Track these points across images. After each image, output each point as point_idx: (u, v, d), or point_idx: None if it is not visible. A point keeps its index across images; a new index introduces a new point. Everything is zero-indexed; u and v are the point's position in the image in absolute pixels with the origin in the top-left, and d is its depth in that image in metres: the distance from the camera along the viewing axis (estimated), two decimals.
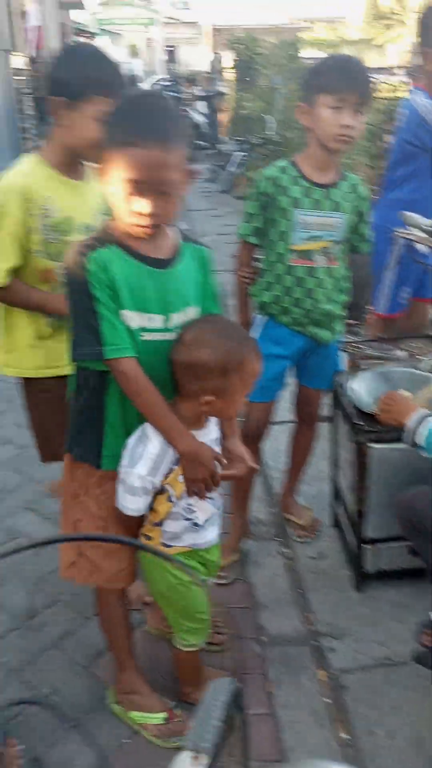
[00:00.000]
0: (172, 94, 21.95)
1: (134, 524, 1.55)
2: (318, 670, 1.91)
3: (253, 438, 2.30)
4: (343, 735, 1.72)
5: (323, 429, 2.55)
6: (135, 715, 1.72)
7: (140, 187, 1.30)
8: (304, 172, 2.01)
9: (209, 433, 1.53)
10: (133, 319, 1.39)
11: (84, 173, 1.84)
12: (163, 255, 1.43)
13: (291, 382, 2.33)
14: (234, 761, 1.16)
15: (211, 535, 1.60)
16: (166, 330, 1.44)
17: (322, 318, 2.11)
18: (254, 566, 2.34)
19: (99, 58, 1.74)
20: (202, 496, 1.49)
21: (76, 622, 2.09)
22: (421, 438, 1.69)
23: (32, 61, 14.47)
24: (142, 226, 1.35)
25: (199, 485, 1.46)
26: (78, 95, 1.67)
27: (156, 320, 1.42)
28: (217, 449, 1.52)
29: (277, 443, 2.69)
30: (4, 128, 11.93)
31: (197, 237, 1.61)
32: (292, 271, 2.05)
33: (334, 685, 1.86)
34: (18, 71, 13.14)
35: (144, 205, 1.32)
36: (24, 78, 13.73)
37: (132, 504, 1.48)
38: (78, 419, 1.55)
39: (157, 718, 1.71)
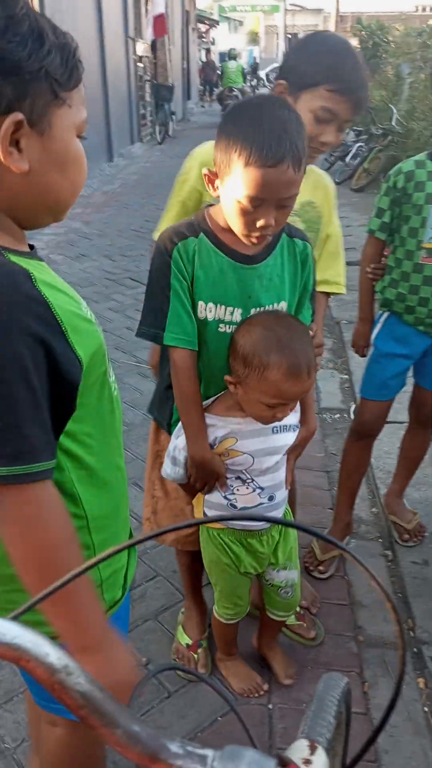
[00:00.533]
0: None
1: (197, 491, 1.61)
2: (417, 678, 1.87)
3: (365, 435, 2.27)
4: None
5: None
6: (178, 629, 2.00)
7: (264, 203, 1.26)
8: None
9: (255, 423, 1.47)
10: (211, 310, 1.41)
11: None
12: (253, 251, 1.40)
13: (408, 382, 2.27)
14: (334, 755, 1.16)
15: (251, 522, 1.60)
16: None
17: None
18: (354, 565, 2.31)
19: (338, 50, 1.56)
20: (205, 492, 1.56)
21: (175, 597, 2.15)
22: None
23: (153, 48, 14.77)
24: (256, 237, 1.33)
25: (200, 484, 1.53)
26: (301, 83, 1.54)
27: (235, 314, 1.42)
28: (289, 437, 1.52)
29: (382, 443, 2.64)
30: (126, 113, 12.29)
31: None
32: (420, 269, 1.98)
33: None
34: (140, 58, 13.47)
35: (263, 220, 1.28)
36: (145, 65, 14.05)
37: (171, 471, 1.57)
38: (160, 387, 1.67)
39: (186, 639, 1.95)
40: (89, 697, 0.43)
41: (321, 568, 2.26)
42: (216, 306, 1.41)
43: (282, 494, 1.58)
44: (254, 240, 1.33)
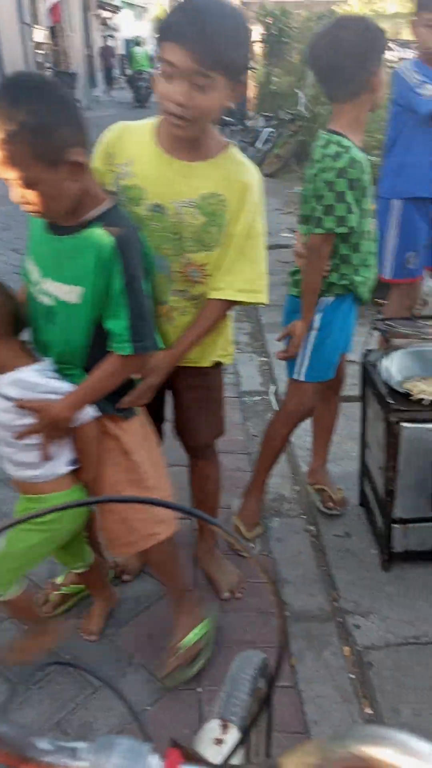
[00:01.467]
0: None
1: None
2: (343, 647, 1.91)
3: (307, 416, 2.32)
4: (368, 711, 1.72)
5: (352, 408, 2.52)
6: None
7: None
8: (355, 142, 1.89)
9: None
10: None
11: (202, 155, 1.56)
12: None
13: None
14: (258, 730, 1.17)
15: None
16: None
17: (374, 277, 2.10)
18: (278, 543, 2.34)
19: (186, 6, 1.43)
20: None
21: None
22: None
23: (53, 35, 14.37)
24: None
25: None
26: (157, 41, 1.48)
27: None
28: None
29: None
30: None
31: None
32: (369, 238, 2.01)
33: (358, 661, 1.85)
34: (39, 45, 13.06)
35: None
36: (44, 51, 13.65)
37: None
38: None
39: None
40: None
41: (248, 546, 2.27)
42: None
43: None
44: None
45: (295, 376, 2.14)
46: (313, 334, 2.08)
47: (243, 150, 7.18)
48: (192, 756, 0.46)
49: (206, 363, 1.79)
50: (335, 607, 2.05)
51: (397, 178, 2.93)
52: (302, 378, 2.13)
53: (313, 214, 1.90)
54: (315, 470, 2.54)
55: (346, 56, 1.79)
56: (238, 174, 1.58)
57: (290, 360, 2.14)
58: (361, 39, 1.80)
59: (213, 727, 0.98)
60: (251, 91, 12.59)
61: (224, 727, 0.97)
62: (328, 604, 2.07)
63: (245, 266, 1.62)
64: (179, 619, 1.85)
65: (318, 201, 1.87)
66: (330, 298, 2.05)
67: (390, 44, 3.74)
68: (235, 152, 1.62)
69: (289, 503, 2.56)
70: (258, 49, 12.15)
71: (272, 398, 3.37)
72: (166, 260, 1.59)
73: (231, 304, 1.66)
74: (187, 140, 1.52)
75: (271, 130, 8.69)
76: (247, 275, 1.62)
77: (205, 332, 1.67)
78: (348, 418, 2.66)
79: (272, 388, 3.44)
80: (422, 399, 1.96)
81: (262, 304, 1.66)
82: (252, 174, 1.60)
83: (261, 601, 2.08)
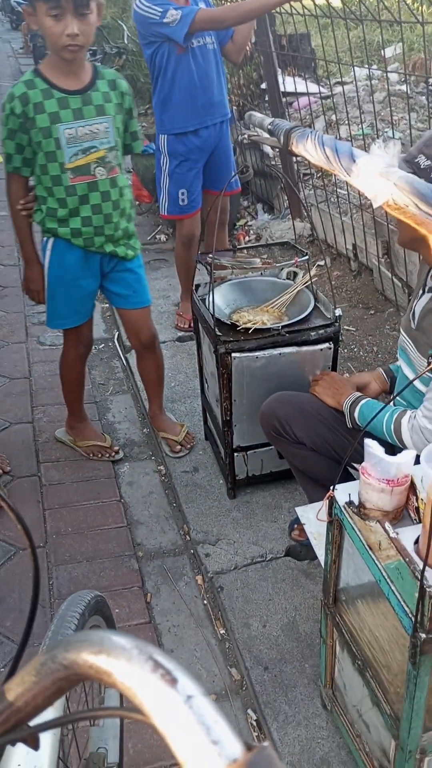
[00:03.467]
0: (16, 1, 20.02)
1: None
2: (196, 576, 1.98)
3: (83, 358, 2.37)
4: (221, 631, 1.81)
5: (190, 347, 2.54)
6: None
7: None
8: (55, 82, 1.89)
9: None
10: None
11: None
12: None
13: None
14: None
15: None
16: None
17: (116, 233, 2.06)
18: (129, 486, 2.35)
19: None
20: None
21: None
22: (356, 418, 1.71)
23: None
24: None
25: None
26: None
27: None
28: None
29: None
30: None
31: None
32: (73, 191, 1.95)
33: (210, 587, 1.93)
34: None
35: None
36: None
37: None
38: None
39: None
40: None
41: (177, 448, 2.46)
42: None
43: None
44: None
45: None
46: (46, 278, 2.12)
47: None
48: None
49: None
50: (187, 540, 2.11)
51: (163, 114, 2.87)
52: (47, 324, 2.23)
53: None
54: (153, 417, 2.57)
55: None
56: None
57: None
58: None
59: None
60: None
61: None
62: (180, 538, 2.12)
63: None
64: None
65: None
66: (49, 239, 2.06)
67: None
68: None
69: (138, 447, 2.57)
70: None
71: (117, 344, 3.32)
72: None
73: None
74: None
75: (97, 65, 8.28)
76: None
77: None
78: (194, 357, 2.68)
79: (116, 334, 3.39)
80: (249, 329, 2.00)
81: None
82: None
83: (115, 546, 2.09)
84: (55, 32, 1.78)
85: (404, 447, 1.55)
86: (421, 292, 1.61)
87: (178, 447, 2.46)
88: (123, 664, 0.40)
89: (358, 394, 1.77)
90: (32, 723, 0.48)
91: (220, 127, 2.95)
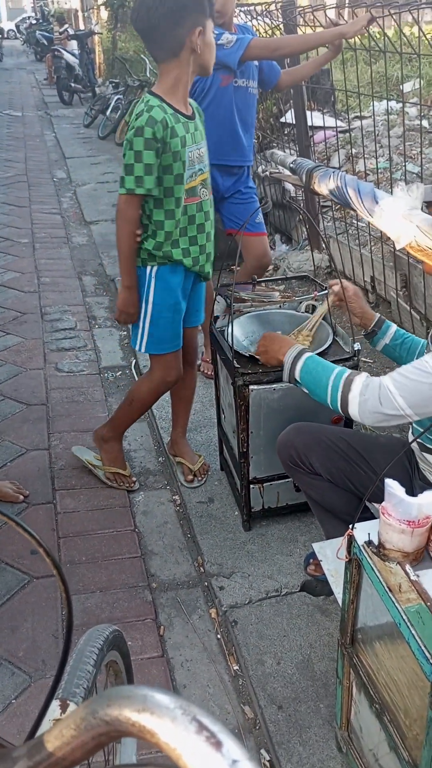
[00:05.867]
0: (41, 33, 20.64)
1: None
2: (210, 609, 1.96)
3: (173, 384, 2.30)
4: (235, 667, 1.78)
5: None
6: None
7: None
8: (176, 106, 1.93)
9: None
10: None
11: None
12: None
13: None
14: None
15: None
16: None
17: (211, 252, 2.13)
18: (144, 516, 2.34)
19: None
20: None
21: None
22: (298, 373, 1.70)
23: None
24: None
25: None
26: None
27: None
28: None
29: None
30: None
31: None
32: (185, 211, 2.00)
33: (224, 621, 1.90)
34: None
35: None
36: None
37: None
38: None
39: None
40: None
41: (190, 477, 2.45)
42: None
43: None
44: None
45: (137, 348, 2.18)
46: (147, 305, 2.10)
47: (94, 119, 7.12)
48: None
49: None
50: (201, 572, 2.09)
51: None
52: (143, 350, 2.16)
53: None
54: (174, 441, 2.55)
55: (160, 15, 1.79)
56: None
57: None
58: None
59: (54, 708, 0.97)
60: (99, 57, 12.19)
61: (63, 707, 0.96)
62: (194, 570, 2.11)
63: None
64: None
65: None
66: (152, 267, 2.06)
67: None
68: None
69: (154, 476, 2.57)
70: (102, 13, 11.75)
71: (134, 371, 3.34)
72: None
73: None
74: None
75: (119, 97, 8.47)
76: None
77: None
78: (210, 386, 2.69)
79: (133, 362, 3.41)
80: None
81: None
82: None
83: (128, 576, 2.07)
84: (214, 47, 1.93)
85: (345, 410, 1.54)
86: None
87: (191, 477, 2.45)
88: (167, 724, 0.40)
89: (302, 347, 1.74)
90: None
91: (245, 171, 2.91)
